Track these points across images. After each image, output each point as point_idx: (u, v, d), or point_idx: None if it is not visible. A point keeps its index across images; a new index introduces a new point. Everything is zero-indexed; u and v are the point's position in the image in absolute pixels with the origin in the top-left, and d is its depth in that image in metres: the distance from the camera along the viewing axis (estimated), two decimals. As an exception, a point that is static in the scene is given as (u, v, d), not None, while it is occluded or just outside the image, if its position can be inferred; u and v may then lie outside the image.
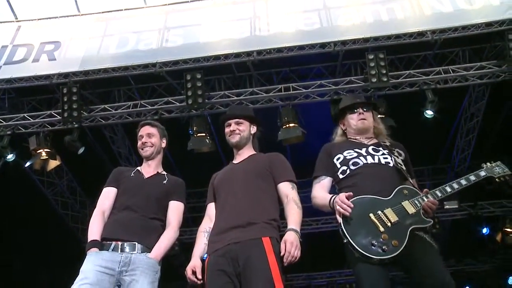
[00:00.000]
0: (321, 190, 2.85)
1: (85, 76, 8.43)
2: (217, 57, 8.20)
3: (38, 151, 8.38)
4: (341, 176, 2.82)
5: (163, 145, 3.38)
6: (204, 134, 7.99)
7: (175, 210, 3.16)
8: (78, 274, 2.81)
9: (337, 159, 2.87)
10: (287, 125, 7.95)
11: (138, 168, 3.33)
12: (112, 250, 2.89)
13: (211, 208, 2.94)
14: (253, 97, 8.26)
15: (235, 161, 3.04)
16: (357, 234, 2.48)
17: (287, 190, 2.81)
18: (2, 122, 8.51)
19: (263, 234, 2.59)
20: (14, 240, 9.70)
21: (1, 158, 8.54)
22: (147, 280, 2.84)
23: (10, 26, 9.47)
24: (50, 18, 9.54)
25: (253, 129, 3.08)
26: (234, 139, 2.99)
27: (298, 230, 2.61)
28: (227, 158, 10.46)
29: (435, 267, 2.42)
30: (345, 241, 2.50)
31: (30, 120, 8.54)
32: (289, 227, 2.62)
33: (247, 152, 3.03)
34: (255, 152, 3.08)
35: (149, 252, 2.92)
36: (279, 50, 8.13)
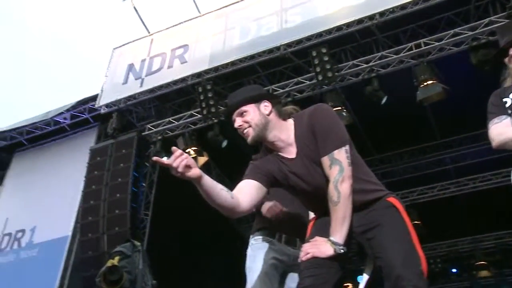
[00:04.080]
0: (508, 127, 2.43)
1: (216, 72, 8.83)
2: (339, 28, 7.99)
3: (187, 150, 8.97)
4: None
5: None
6: (340, 108, 7.86)
7: None
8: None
9: (505, 103, 2.52)
10: (425, 83, 7.47)
11: None
12: None
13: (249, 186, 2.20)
14: (383, 61, 7.91)
15: (285, 154, 2.24)
16: None
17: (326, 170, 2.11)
18: (153, 129, 9.32)
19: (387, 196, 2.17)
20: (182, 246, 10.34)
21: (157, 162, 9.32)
22: None
23: (145, 41, 10.35)
24: (175, 25, 10.21)
25: (266, 108, 2.24)
26: (248, 139, 2.23)
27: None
28: (365, 131, 10.10)
29: None
30: None
31: (175, 123, 9.22)
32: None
33: (285, 138, 2.23)
34: (293, 130, 2.24)
35: None
36: (403, 6, 7.64)
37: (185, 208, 9.27)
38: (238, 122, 2.24)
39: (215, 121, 8.66)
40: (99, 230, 8.77)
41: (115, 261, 5.09)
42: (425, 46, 7.66)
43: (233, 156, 9.41)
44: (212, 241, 10.26)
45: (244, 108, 2.23)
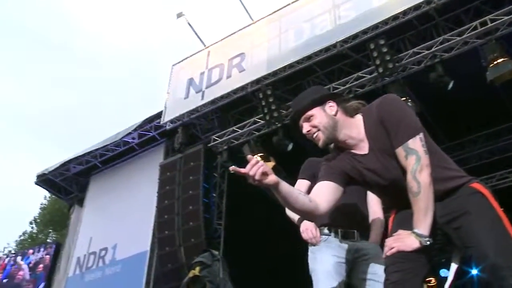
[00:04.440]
0: None
1: (274, 76, 8.85)
2: (395, 17, 7.77)
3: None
4: None
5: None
6: (404, 98, 7.61)
7: None
8: None
9: None
10: (495, 62, 7.07)
11: None
12: None
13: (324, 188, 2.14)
14: (445, 46, 7.58)
15: (357, 151, 2.15)
16: None
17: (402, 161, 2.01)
18: (218, 140, 9.46)
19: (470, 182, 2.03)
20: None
21: (224, 172, 9.54)
22: None
23: (202, 54, 10.61)
24: (230, 35, 10.37)
25: (332, 109, 2.16)
26: (319, 143, 2.17)
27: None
28: (434, 119, 9.70)
29: None
30: None
31: (239, 131, 9.30)
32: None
33: (355, 135, 2.14)
34: (362, 126, 2.15)
35: None
36: (462, -16, 7.35)
37: (258, 215, 9.32)
38: (306, 127, 2.18)
39: (279, 125, 8.66)
40: (176, 243, 9.00)
41: (197, 271, 5.18)
42: (491, 23, 7.26)
43: (299, 159, 9.33)
44: (288, 247, 10.22)
45: (310, 112, 2.17)
